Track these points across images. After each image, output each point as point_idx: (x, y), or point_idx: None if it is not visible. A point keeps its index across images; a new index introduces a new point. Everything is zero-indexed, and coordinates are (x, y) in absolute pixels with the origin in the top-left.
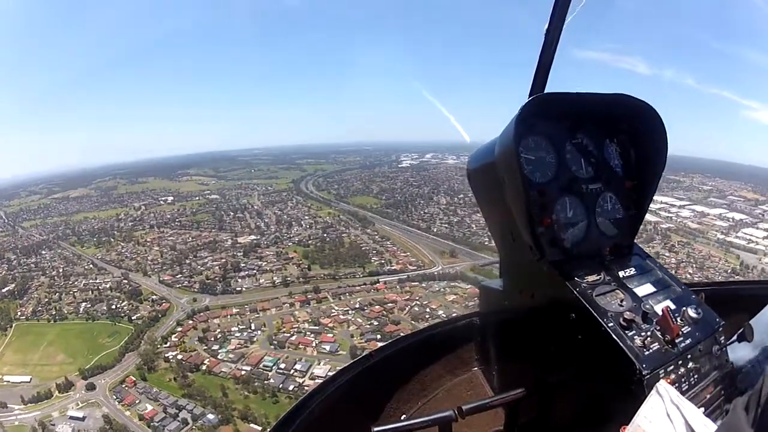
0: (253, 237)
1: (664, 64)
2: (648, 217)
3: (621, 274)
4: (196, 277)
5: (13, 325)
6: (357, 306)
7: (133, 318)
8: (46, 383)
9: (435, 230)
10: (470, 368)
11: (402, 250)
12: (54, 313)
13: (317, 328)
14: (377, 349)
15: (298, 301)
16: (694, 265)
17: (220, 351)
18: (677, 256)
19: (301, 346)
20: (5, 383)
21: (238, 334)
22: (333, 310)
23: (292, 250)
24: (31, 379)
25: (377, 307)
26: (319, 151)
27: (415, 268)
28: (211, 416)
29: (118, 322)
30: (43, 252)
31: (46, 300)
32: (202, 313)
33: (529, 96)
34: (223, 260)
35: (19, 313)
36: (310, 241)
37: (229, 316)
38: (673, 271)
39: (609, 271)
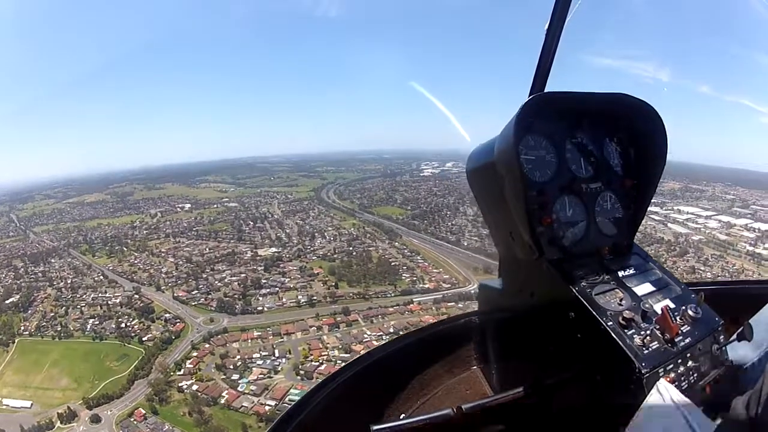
0: (274, 249)
1: (680, 71)
2: (678, 229)
3: (620, 273)
4: (214, 294)
5: (16, 341)
6: (391, 330)
7: (143, 339)
8: (48, 411)
9: (465, 243)
10: (469, 367)
11: (434, 266)
12: (59, 329)
13: (348, 356)
14: (376, 348)
15: (326, 324)
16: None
17: (240, 381)
18: (712, 271)
19: None
20: (5, 407)
21: (260, 362)
22: (365, 335)
23: (317, 265)
24: (32, 404)
25: None
26: (339, 159)
27: (449, 286)
28: None
29: (127, 342)
30: (52, 260)
31: (52, 314)
32: (220, 336)
33: (529, 95)
34: (243, 275)
35: (22, 328)
36: (335, 255)
37: (250, 340)
38: None
39: (608, 271)
